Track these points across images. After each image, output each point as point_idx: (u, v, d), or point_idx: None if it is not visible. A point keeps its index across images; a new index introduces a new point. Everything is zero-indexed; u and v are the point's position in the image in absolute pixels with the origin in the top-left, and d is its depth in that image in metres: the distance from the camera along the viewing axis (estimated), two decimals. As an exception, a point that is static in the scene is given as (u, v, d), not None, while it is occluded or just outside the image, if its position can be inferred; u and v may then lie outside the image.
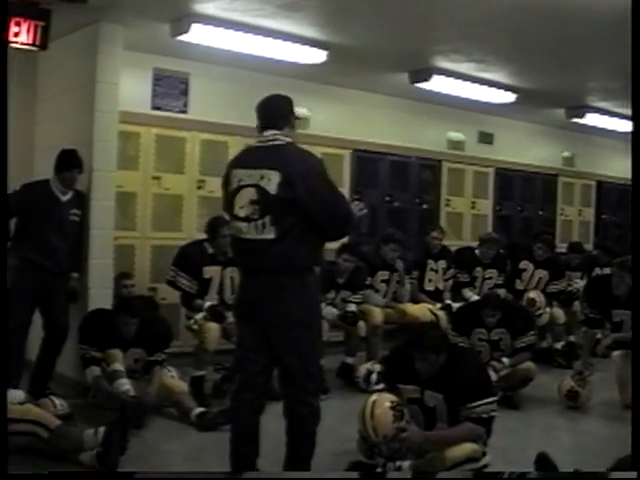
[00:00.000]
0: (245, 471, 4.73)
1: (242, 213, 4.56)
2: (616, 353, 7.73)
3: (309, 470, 4.79)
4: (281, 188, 4.43)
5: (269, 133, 4.65)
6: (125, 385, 6.34)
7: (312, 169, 4.57)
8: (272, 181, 4.45)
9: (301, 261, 4.58)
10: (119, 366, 6.45)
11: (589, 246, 12.98)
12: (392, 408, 4.98)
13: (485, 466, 5.15)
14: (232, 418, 4.94)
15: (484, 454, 5.12)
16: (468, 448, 5.00)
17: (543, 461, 4.78)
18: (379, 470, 5.02)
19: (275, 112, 4.73)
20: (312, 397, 4.74)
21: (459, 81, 9.49)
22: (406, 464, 5.05)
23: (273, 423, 4.95)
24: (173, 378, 6.81)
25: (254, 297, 4.64)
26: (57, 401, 6.16)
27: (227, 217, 4.95)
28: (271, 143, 4.64)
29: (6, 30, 5.62)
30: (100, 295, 7.14)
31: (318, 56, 8.22)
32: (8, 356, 5.51)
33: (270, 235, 4.47)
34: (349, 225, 4.75)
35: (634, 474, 2.72)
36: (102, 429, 5.30)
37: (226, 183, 4.74)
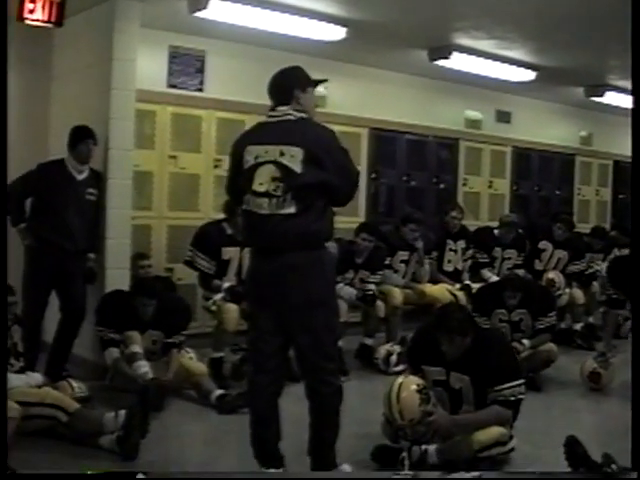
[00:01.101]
0: (268, 455, 4.64)
1: (262, 189, 4.43)
2: None
3: (333, 453, 4.69)
4: (306, 165, 4.37)
5: (280, 109, 4.57)
6: (144, 367, 6.29)
7: (333, 143, 4.53)
8: (295, 157, 4.38)
9: (318, 236, 4.51)
10: (137, 348, 6.39)
11: (606, 225, 12.83)
12: (419, 391, 4.92)
13: (512, 449, 5.11)
14: (250, 402, 4.85)
15: (511, 437, 5.09)
16: (495, 432, 4.97)
17: (572, 445, 4.69)
18: (404, 454, 4.94)
19: (280, 88, 4.66)
20: (332, 376, 4.64)
21: (479, 59, 9.39)
22: (432, 448, 5.03)
23: (294, 405, 4.85)
24: (192, 360, 6.76)
25: (268, 278, 4.51)
26: (75, 384, 6.13)
27: (233, 194, 4.82)
28: (284, 118, 4.55)
29: (5, 29, 5.53)
30: (117, 275, 7.07)
31: (337, 33, 8.12)
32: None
33: (290, 209, 4.38)
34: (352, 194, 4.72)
35: (634, 474, 2.64)
36: (123, 412, 5.24)
37: (238, 160, 4.59)
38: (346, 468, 4.78)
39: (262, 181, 4.43)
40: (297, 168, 4.37)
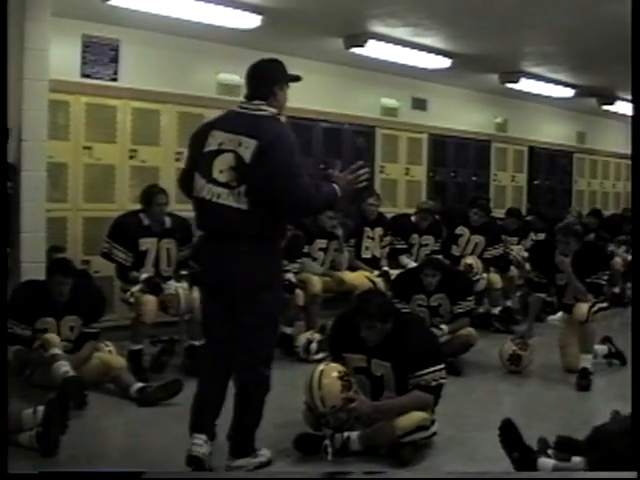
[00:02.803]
0: (203, 432, 4.74)
1: (222, 178, 4.54)
2: (555, 317, 7.77)
3: (253, 439, 4.81)
4: (254, 157, 4.46)
5: (256, 103, 4.65)
6: (64, 367, 6.12)
7: (284, 142, 4.57)
8: (248, 149, 4.48)
9: (266, 232, 4.61)
10: (57, 350, 6.22)
11: (522, 211, 13.01)
12: (340, 378, 4.93)
13: (434, 434, 5.15)
14: (200, 380, 4.91)
15: (433, 422, 5.13)
16: (417, 417, 5.00)
17: (507, 428, 4.73)
18: (327, 442, 4.94)
19: (260, 82, 4.74)
20: (262, 365, 4.75)
21: (395, 46, 9.43)
22: (354, 434, 5.03)
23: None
24: (111, 353, 6.67)
25: (220, 263, 4.64)
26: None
27: (186, 183, 4.83)
28: (256, 113, 4.63)
29: (5, 29, 5.42)
30: (33, 269, 6.90)
31: (252, 21, 8.07)
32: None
33: (243, 206, 4.49)
34: (305, 209, 4.83)
35: (634, 474, 2.68)
36: (41, 408, 5.13)
37: (201, 142, 4.67)
38: (266, 453, 4.88)
39: (222, 169, 4.53)
40: (247, 158, 4.46)
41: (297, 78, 4.92)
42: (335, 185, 4.74)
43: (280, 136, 4.59)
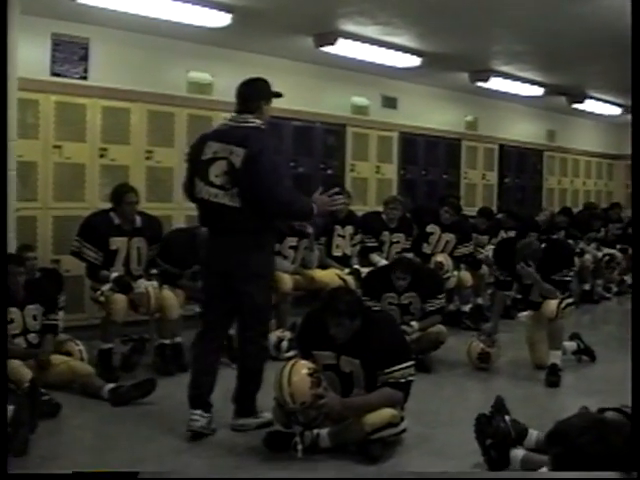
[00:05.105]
0: (199, 401, 5.44)
1: (218, 181, 5.31)
2: (524, 314, 7.81)
3: (254, 401, 5.57)
4: (243, 163, 5.21)
5: (243, 116, 5.43)
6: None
7: (267, 150, 5.29)
8: (239, 157, 5.23)
9: (257, 227, 5.36)
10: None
11: (493, 209, 13.06)
12: (309, 375, 4.94)
13: (404, 430, 5.17)
14: (194, 352, 5.72)
15: (402, 419, 5.15)
16: (387, 413, 5.02)
17: (500, 403, 4.85)
18: (297, 439, 4.96)
19: (249, 98, 5.48)
20: (261, 337, 5.62)
21: (365, 45, 9.45)
22: (324, 432, 5.07)
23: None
24: (81, 353, 6.67)
25: (220, 252, 5.43)
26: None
27: (189, 189, 5.58)
28: (243, 125, 5.40)
29: (5, 29, 5.39)
30: (2, 268, 6.89)
31: (222, 19, 8.06)
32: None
33: (236, 204, 5.26)
34: (285, 210, 5.47)
35: (634, 474, 2.71)
36: (10, 408, 5.10)
37: (198, 151, 5.48)
38: (267, 415, 5.46)
39: (217, 173, 5.32)
40: (237, 164, 5.23)
41: (279, 95, 5.65)
42: (314, 204, 5.43)
43: (265, 146, 5.29)
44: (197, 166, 5.46)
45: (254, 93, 5.50)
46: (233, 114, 5.51)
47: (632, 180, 4.40)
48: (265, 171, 5.17)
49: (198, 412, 5.38)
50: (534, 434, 4.75)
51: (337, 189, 5.75)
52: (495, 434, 4.71)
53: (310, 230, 8.68)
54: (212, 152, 5.37)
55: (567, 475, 2.79)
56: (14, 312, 6.39)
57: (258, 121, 5.40)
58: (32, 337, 6.47)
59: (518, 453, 4.60)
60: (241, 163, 5.21)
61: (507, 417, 4.81)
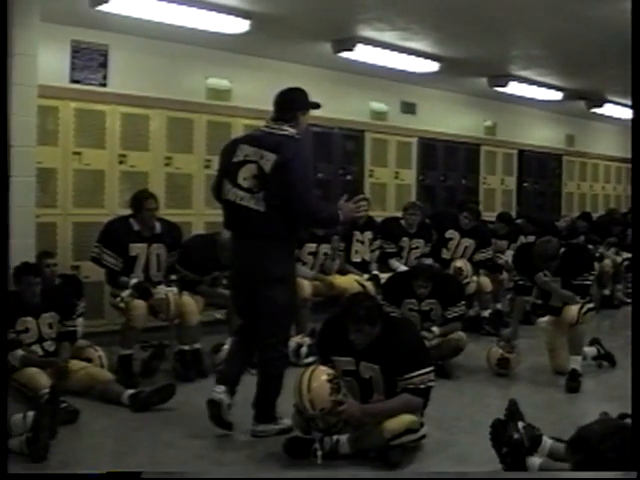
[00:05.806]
0: (225, 384, 5.56)
1: (246, 184, 5.39)
2: (544, 319, 7.78)
3: (274, 407, 5.57)
4: (273, 168, 5.27)
5: (279, 123, 5.47)
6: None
7: (300, 159, 5.35)
8: (269, 162, 5.29)
9: (280, 232, 5.41)
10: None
11: (512, 214, 13.03)
12: (329, 381, 4.93)
13: (423, 437, 5.16)
14: (231, 343, 6.09)
15: (422, 425, 5.14)
16: (406, 419, 5.00)
17: (501, 424, 4.79)
18: (316, 445, 4.96)
19: (285, 107, 5.51)
20: (281, 344, 5.63)
21: (383, 50, 9.44)
22: (344, 438, 5.05)
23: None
24: (100, 359, 6.69)
25: (243, 255, 5.54)
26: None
27: (217, 189, 5.67)
28: (278, 132, 5.43)
29: (5, 30, 5.41)
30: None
31: (241, 26, 8.08)
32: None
33: (261, 208, 5.32)
34: (312, 218, 5.60)
35: (634, 474, 2.69)
36: (31, 413, 5.12)
37: (229, 153, 5.55)
38: (287, 421, 5.46)
39: (246, 176, 5.39)
40: (267, 169, 5.29)
41: (317, 105, 5.68)
42: (339, 211, 5.53)
43: (297, 154, 5.34)
44: (227, 168, 5.54)
45: (290, 103, 5.54)
46: (269, 121, 5.55)
47: (632, 180, 4.40)
48: (295, 179, 5.25)
49: (223, 387, 5.53)
50: (548, 442, 4.70)
51: (362, 196, 5.82)
52: (509, 443, 4.69)
53: (335, 238, 8.74)
54: (244, 155, 5.44)
55: (568, 475, 2.78)
56: (29, 321, 6.42)
57: (292, 130, 5.44)
58: (48, 345, 6.51)
59: (535, 461, 4.56)
60: (271, 168, 5.27)
61: (520, 423, 4.73)
